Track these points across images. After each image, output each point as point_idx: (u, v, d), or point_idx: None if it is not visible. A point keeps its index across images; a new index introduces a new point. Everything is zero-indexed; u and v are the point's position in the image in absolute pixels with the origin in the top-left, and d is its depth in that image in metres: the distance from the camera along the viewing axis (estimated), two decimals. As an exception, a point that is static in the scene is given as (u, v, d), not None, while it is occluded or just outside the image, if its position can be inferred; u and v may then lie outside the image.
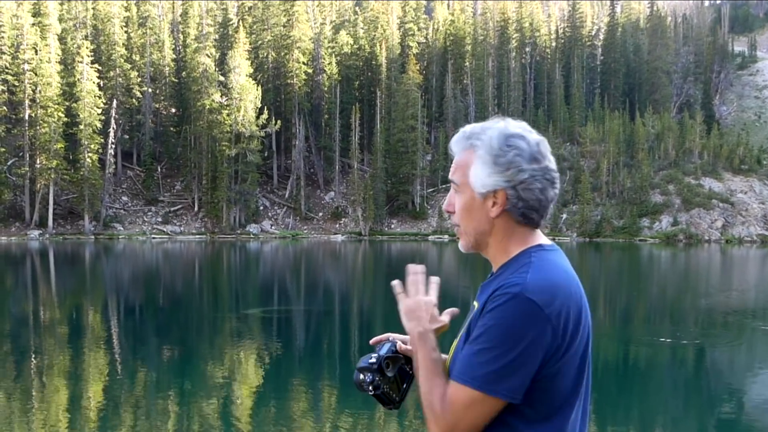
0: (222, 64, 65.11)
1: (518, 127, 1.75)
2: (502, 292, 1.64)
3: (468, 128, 1.80)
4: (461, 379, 1.64)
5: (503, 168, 1.70)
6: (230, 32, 70.59)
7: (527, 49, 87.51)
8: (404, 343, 1.92)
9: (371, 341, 1.95)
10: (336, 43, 75.37)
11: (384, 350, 1.89)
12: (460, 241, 1.85)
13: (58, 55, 58.58)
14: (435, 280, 1.93)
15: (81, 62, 57.90)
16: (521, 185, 1.70)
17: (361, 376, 1.86)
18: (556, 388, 1.67)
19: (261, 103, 63.73)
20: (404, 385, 1.91)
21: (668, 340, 15.40)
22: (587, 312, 1.77)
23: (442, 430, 1.67)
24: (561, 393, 1.68)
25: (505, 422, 1.68)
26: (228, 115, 61.86)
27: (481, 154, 1.73)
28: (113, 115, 61.10)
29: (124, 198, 64.37)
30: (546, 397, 1.67)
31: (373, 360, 1.86)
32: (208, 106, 62.15)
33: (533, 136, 1.74)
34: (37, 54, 57.14)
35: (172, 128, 69.11)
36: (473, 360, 1.63)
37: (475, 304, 1.80)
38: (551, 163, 1.74)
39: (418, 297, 1.86)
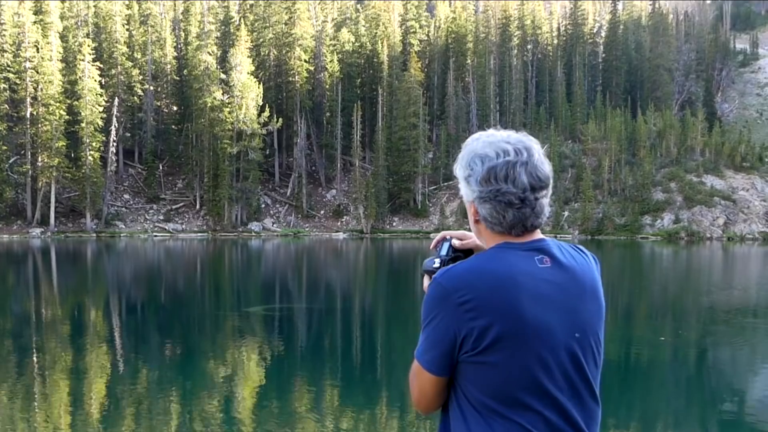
0: (223, 61, 65.07)
1: (490, 145, 1.83)
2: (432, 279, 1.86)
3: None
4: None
5: (467, 183, 1.87)
6: (232, 30, 70.52)
7: (529, 47, 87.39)
8: (460, 239, 2.05)
9: (431, 246, 2.09)
10: (337, 40, 75.34)
11: (444, 251, 2.01)
12: None
13: (60, 53, 58.61)
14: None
15: (82, 60, 57.93)
16: (476, 201, 1.86)
17: (427, 280, 1.98)
18: (489, 380, 1.76)
19: (262, 100, 63.74)
20: None
21: (670, 339, 15.40)
22: (553, 316, 1.78)
23: (412, 398, 1.91)
24: (498, 387, 1.75)
25: (459, 409, 1.82)
26: (229, 112, 61.86)
27: (457, 168, 1.91)
28: (115, 113, 61.13)
29: (126, 196, 64.41)
30: (481, 387, 1.77)
31: (437, 264, 1.97)
32: (209, 104, 62.15)
33: (505, 158, 1.80)
34: (38, 52, 57.19)
35: (173, 126, 69.16)
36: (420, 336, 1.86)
37: None
38: (512, 184, 1.79)
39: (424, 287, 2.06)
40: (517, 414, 1.75)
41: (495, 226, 1.85)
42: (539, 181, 1.81)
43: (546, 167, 1.83)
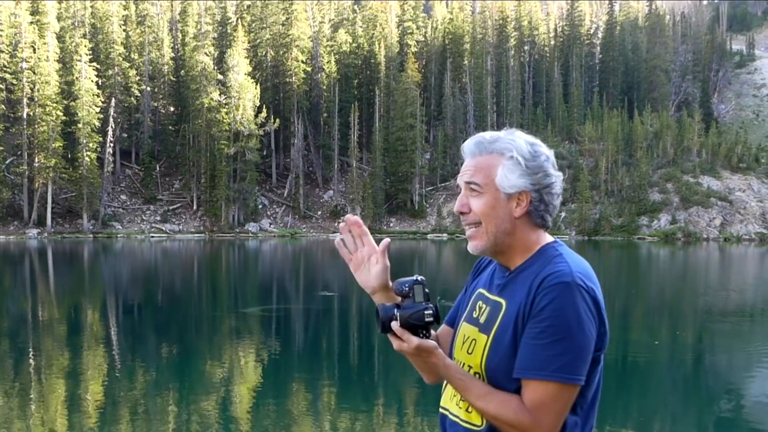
0: (221, 62, 65.07)
1: (534, 138, 1.90)
2: (554, 283, 1.70)
3: (488, 134, 1.88)
4: (540, 376, 1.68)
5: (533, 172, 1.80)
6: (229, 31, 70.56)
7: (526, 48, 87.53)
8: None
9: (348, 224, 2.01)
10: (335, 41, 75.36)
11: (420, 296, 1.81)
12: (474, 242, 1.86)
13: (57, 53, 58.53)
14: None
15: (79, 61, 57.85)
16: (545, 189, 1.82)
17: (413, 337, 1.78)
18: (596, 376, 1.78)
19: (260, 101, 63.74)
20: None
21: (666, 340, 15.41)
22: None
23: None
24: (597, 382, 1.80)
25: None
26: (227, 113, 61.84)
27: (513, 156, 1.80)
28: (112, 113, 61.04)
29: (123, 197, 64.34)
30: (590, 386, 1.77)
31: (429, 318, 1.77)
32: (206, 105, 62.12)
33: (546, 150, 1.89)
34: (35, 52, 57.10)
35: (170, 127, 69.10)
36: (546, 354, 1.67)
37: (499, 299, 1.83)
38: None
39: (412, 345, 1.78)
40: (594, 409, 1.81)
41: (547, 215, 1.85)
42: None
43: None
